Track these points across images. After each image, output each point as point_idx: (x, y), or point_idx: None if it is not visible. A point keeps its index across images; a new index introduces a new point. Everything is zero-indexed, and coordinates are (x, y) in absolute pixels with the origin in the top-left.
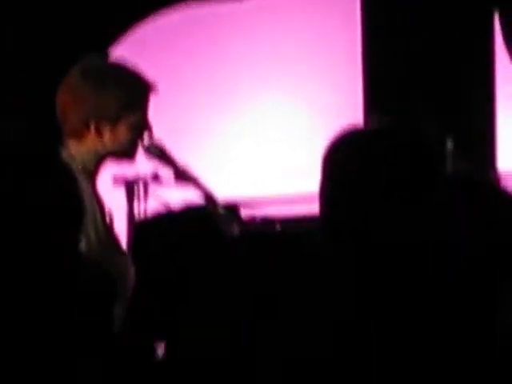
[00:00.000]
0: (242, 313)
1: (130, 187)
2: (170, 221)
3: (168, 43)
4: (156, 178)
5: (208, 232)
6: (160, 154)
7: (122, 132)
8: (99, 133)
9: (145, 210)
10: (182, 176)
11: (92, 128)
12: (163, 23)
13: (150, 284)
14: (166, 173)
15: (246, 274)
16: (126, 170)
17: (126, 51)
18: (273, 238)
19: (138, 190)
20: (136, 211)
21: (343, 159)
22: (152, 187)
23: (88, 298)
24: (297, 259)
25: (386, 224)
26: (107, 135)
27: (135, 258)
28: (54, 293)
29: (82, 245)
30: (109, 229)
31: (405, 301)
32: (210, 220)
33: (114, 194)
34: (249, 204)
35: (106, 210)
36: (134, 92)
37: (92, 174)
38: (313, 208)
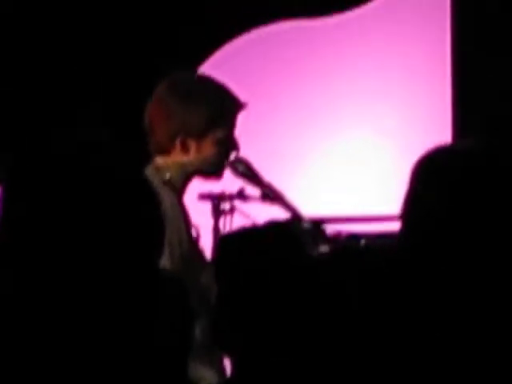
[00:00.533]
0: (326, 329)
1: (216, 204)
2: (254, 235)
3: (257, 60)
4: (242, 195)
5: (291, 247)
6: (246, 171)
7: (208, 148)
8: (185, 148)
9: (230, 227)
10: (268, 193)
11: (178, 143)
12: (252, 41)
13: (232, 297)
14: (252, 190)
15: (333, 290)
16: (213, 186)
17: (216, 69)
18: (361, 253)
19: (224, 207)
20: (222, 227)
21: (424, 180)
22: (238, 204)
23: (166, 312)
24: (385, 277)
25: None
26: (193, 150)
27: (218, 271)
28: (131, 307)
29: (165, 258)
30: (193, 243)
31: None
32: (294, 235)
33: (200, 209)
34: (333, 221)
35: (192, 225)
36: (220, 108)
37: (178, 190)
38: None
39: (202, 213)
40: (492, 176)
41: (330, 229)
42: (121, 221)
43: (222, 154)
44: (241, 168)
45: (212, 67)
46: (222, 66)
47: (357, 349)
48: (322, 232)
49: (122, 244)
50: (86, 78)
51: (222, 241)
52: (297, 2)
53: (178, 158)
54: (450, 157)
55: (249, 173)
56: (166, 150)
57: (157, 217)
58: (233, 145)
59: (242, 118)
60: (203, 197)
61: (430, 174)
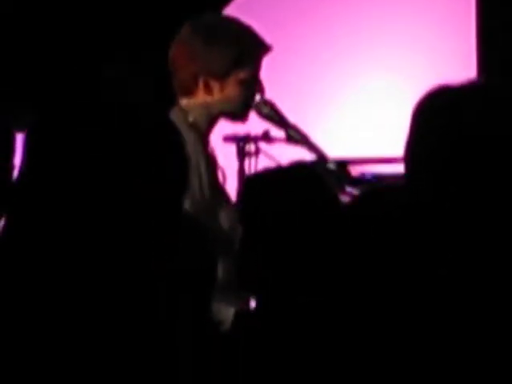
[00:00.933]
0: (350, 268)
1: (241, 146)
2: (278, 176)
3: (278, 6)
4: (267, 136)
5: (316, 188)
6: (271, 113)
7: (231, 88)
8: (208, 89)
9: (255, 169)
10: (293, 135)
11: (201, 84)
12: None
13: (258, 238)
14: (277, 132)
15: (359, 230)
16: (238, 128)
17: (240, 12)
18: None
19: (249, 149)
20: (246, 169)
21: (426, 117)
22: (263, 146)
23: (186, 254)
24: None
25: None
26: (216, 91)
27: (243, 212)
28: (152, 248)
29: (186, 201)
30: (218, 185)
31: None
32: (319, 176)
33: (225, 151)
34: (357, 162)
35: (218, 167)
36: (244, 48)
37: (203, 132)
38: None
39: (227, 155)
40: (497, 115)
41: (354, 170)
42: (145, 161)
43: (246, 95)
44: (266, 110)
45: (236, 10)
46: (245, 8)
47: (380, 291)
48: (347, 173)
49: (146, 184)
50: (112, 20)
51: (247, 182)
52: None
53: (201, 99)
54: (453, 95)
55: (274, 115)
56: (189, 91)
57: (181, 158)
58: (257, 86)
59: (265, 62)
60: (228, 139)
61: (432, 113)
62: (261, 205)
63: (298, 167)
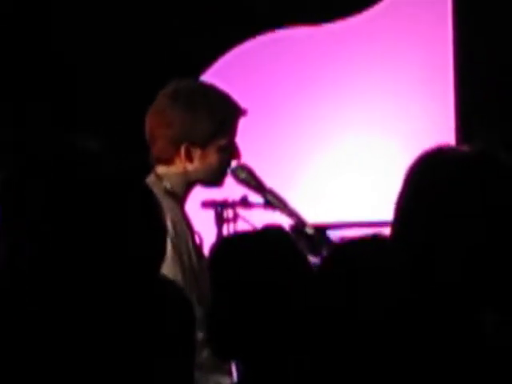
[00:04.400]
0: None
1: (219, 211)
2: (249, 239)
3: (253, 70)
4: (245, 202)
5: (286, 250)
6: (248, 178)
7: (211, 155)
8: (189, 156)
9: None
10: (270, 200)
11: (182, 152)
12: (247, 50)
13: (225, 300)
14: (255, 197)
15: (331, 294)
16: (216, 194)
17: (217, 77)
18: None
19: (227, 214)
20: (225, 235)
21: (418, 180)
22: (241, 211)
23: (168, 322)
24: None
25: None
26: (196, 159)
27: (213, 274)
28: (132, 316)
29: (177, 270)
30: (199, 252)
31: None
32: (289, 238)
33: (203, 217)
34: (337, 227)
35: (196, 232)
36: (224, 115)
37: (180, 198)
38: None
39: (205, 221)
40: (486, 179)
41: (334, 235)
42: (122, 228)
43: (224, 162)
44: (243, 175)
45: (213, 75)
46: (222, 73)
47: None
48: (325, 238)
49: (124, 253)
50: (86, 86)
51: (216, 246)
52: (300, 9)
53: (180, 166)
54: (445, 158)
55: (251, 180)
56: (168, 159)
57: (159, 225)
58: (234, 151)
59: (244, 124)
60: (206, 204)
61: (428, 175)
62: (231, 268)
63: (268, 230)
